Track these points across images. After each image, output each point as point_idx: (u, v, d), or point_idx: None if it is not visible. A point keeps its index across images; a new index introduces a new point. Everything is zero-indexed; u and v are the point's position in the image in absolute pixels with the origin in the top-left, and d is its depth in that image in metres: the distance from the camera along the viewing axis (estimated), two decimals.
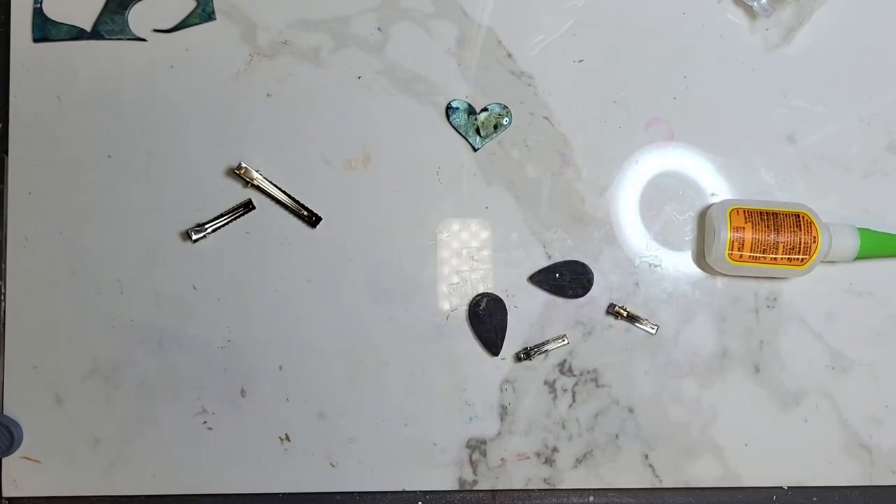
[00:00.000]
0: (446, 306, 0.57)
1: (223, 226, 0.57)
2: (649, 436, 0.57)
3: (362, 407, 0.57)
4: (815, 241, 0.53)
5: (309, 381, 0.57)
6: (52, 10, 0.57)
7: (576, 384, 0.57)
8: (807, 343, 0.57)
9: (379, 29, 0.58)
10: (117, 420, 0.56)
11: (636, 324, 0.57)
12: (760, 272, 0.55)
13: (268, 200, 0.57)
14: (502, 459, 0.57)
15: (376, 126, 0.58)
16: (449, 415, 0.57)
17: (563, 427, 0.57)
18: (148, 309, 0.57)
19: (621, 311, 0.57)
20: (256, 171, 0.56)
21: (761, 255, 0.53)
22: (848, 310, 0.57)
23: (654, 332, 0.57)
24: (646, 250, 0.58)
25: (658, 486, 0.57)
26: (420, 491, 0.57)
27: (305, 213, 0.57)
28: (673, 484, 0.57)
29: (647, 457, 0.57)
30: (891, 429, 0.57)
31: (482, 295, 0.57)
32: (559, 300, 0.57)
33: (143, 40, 0.58)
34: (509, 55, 0.58)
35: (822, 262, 0.54)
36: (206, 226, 0.56)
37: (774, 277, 0.57)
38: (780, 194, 0.58)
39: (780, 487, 0.57)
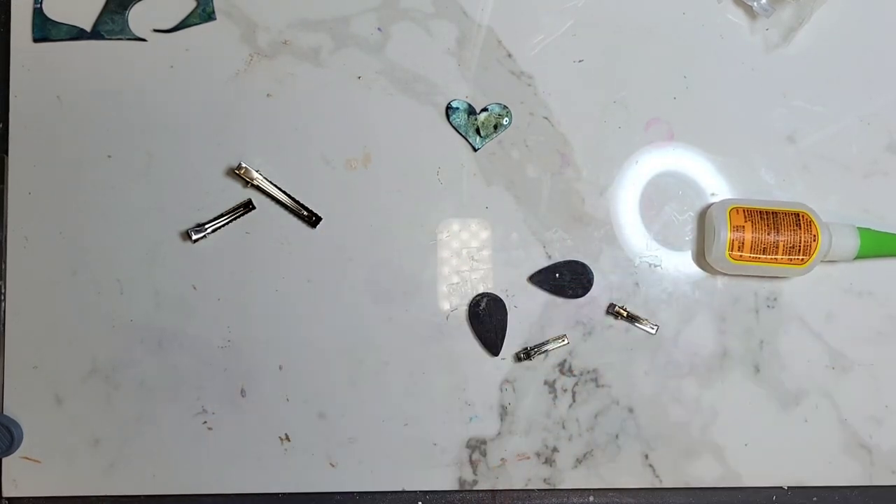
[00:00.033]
0: (446, 306, 0.57)
1: (223, 226, 0.57)
2: (649, 436, 0.57)
3: (362, 407, 0.57)
4: (815, 241, 0.53)
5: (309, 381, 0.57)
6: (52, 10, 0.57)
7: (576, 384, 0.57)
8: (807, 343, 0.57)
9: (379, 29, 0.58)
10: (117, 420, 0.56)
11: (636, 324, 0.57)
12: (760, 272, 0.55)
13: (268, 200, 0.57)
14: (502, 459, 0.57)
15: (376, 126, 0.58)
16: (449, 415, 0.57)
17: (563, 427, 0.57)
18: (148, 309, 0.57)
19: (621, 311, 0.57)
20: (256, 171, 0.56)
21: (761, 255, 0.53)
22: (848, 310, 0.57)
23: (654, 332, 0.57)
24: (646, 250, 0.58)
25: (658, 486, 0.57)
26: (420, 491, 0.57)
27: (305, 213, 0.57)
28: (673, 484, 0.57)
29: (647, 457, 0.57)
30: (891, 429, 0.57)
31: (482, 295, 0.57)
32: (559, 300, 0.57)
33: (143, 40, 0.58)
34: (509, 55, 0.58)
35: (822, 261, 0.54)
36: (206, 226, 0.56)
37: (774, 277, 0.57)
38: (780, 194, 0.58)
39: (780, 487, 0.57)
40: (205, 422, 0.57)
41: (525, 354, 0.57)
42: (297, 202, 0.57)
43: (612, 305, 0.57)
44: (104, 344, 0.57)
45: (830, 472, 0.57)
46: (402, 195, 0.57)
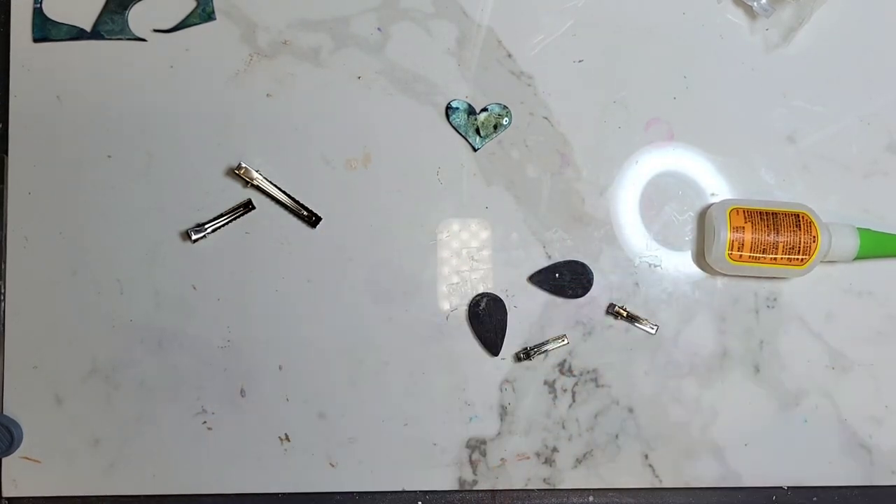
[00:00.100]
0: (446, 306, 0.57)
1: (223, 226, 0.57)
2: (649, 436, 0.57)
3: (362, 407, 0.57)
4: (814, 241, 0.53)
5: (309, 381, 0.57)
6: (52, 10, 0.57)
7: (576, 384, 0.57)
8: (807, 343, 0.57)
9: (379, 29, 0.58)
10: (117, 420, 0.56)
11: (636, 324, 0.57)
12: (760, 272, 0.55)
13: (268, 200, 0.57)
14: (502, 459, 0.57)
15: (376, 126, 0.58)
16: (449, 415, 0.57)
17: (563, 427, 0.57)
18: (148, 309, 0.57)
19: (621, 311, 0.57)
20: (256, 171, 0.56)
21: (761, 255, 0.53)
22: (848, 310, 0.57)
23: (653, 332, 0.57)
24: (646, 250, 0.58)
25: (658, 486, 0.57)
26: (420, 491, 0.57)
27: (305, 213, 0.57)
28: (673, 484, 0.57)
29: (647, 457, 0.57)
30: (891, 429, 0.57)
31: (482, 295, 0.57)
32: (559, 300, 0.57)
33: (143, 40, 0.58)
34: (509, 55, 0.58)
35: (822, 262, 0.54)
36: (206, 226, 0.56)
37: (774, 277, 0.57)
38: (780, 194, 0.58)
39: (780, 487, 0.57)
40: (205, 422, 0.57)
41: (525, 354, 0.57)
42: (297, 202, 0.57)
43: (612, 305, 0.57)
44: (104, 344, 0.57)
45: (830, 472, 0.57)
46: (402, 195, 0.57)
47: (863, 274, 0.58)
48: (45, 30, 0.57)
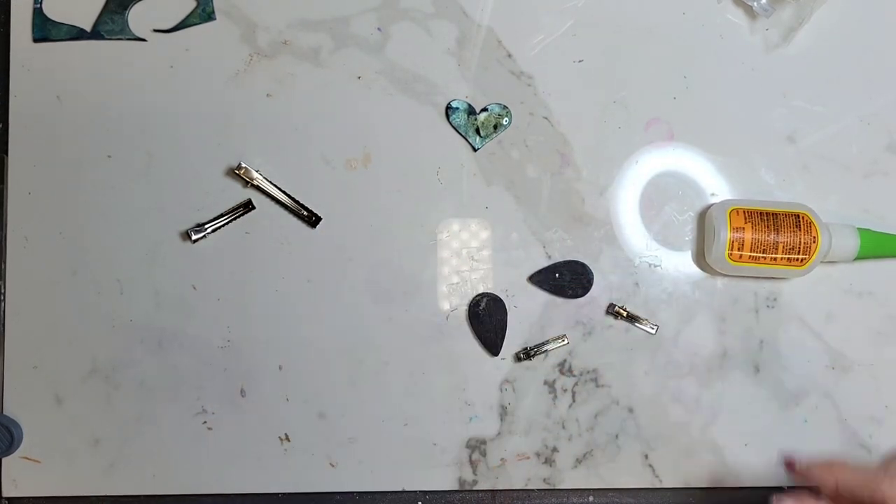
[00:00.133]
0: (446, 306, 0.57)
1: (223, 226, 0.57)
2: (649, 436, 0.57)
3: (362, 407, 0.57)
4: (814, 242, 0.53)
5: (309, 381, 0.57)
6: (52, 10, 0.57)
7: (576, 384, 0.57)
8: (807, 343, 0.57)
9: (379, 29, 0.58)
10: (117, 420, 0.56)
11: (636, 324, 0.57)
12: (760, 272, 0.55)
13: (268, 200, 0.57)
14: (502, 459, 0.57)
15: (376, 126, 0.58)
16: (449, 415, 0.57)
17: (563, 427, 0.57)
18: (148, 309, 0.57)
19: (621, 311, 0.57)
20: (256, 171, 0.56)
21: (761, 256, 0.53)
22: (848, 310, 0.57)
23: (654, 332, 0.57)
24: (646, 250, 0.58)
25: (658, 486, 0.57)
26: (420, 491, 0.57)
27: (305, 213, 0.57)
28: (673, 484, 0.57)
29: (647, 457, 0.57)
30: (891, 429, 0.57)
31: (482, 295, 0.57)
32: (559, 300, 0.57)
33: (143, 40, 0.58)
34: (509, 55, 0.58)
35: (822, 262, 0.54)
36: (206, 226, 0.56)
37: (774, 277, 0.57)
38: (780, 194, 0.58)
39: (780, 487, 0.57)
40: (205, 422, 0.57)
41: (525, 354, 0.57)
42: (297, 202, 0.57)
43: (612, 305, 0.57)
44: (104, 344, 0.57)
45: None
46: (402, 195, 0.57)
47: (863, 274, 0.58)
48: (45, 30, 0.57)
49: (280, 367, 0.57)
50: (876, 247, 0.55)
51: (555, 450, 0.57)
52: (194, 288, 0.57)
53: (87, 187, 0.57)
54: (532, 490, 0.57)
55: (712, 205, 0.57)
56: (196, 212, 0.57)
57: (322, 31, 0.58)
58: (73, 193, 0.57)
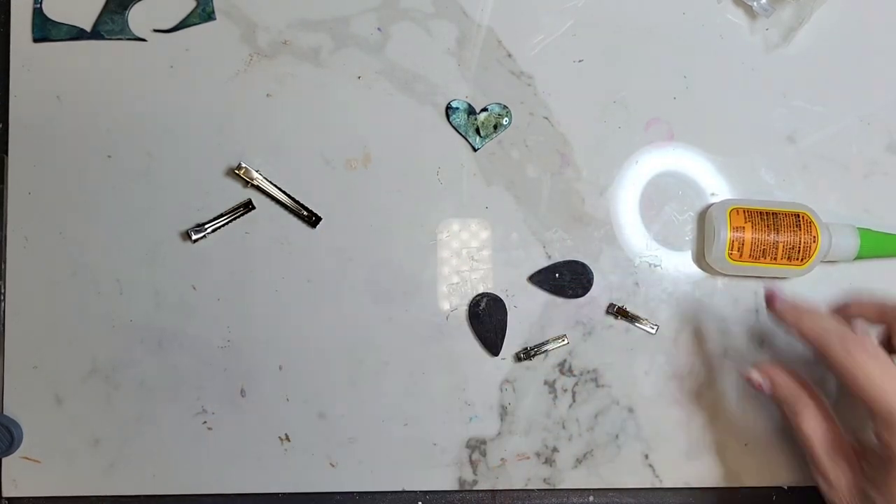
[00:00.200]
0: (446, 306, 0.57)
1: (223, 226, 0.57)
2: (649, 436, 0.57)
3: (362, 407, 0.57)
4: (814, 241, 0.53)
5: (309, 381, 0.57)
6: (52, 10, 0.57)
7: (576, 384, 0.57)
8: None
9: (379, 29, 0.58)
10: (117, 420, 0.56)
11: (636, 324, 0.57)
12: (760, 272, 0.55)
13: (268, 200, 0.57)
14: (502, 459, 0.57)
15: (376, 126, 0.58)
16: (449, 415, 0.57)
17: (563, 427, 0.57)
18: (148, 309, 0.57)
19: (621, 311, 0.57)
20: (256, 171, 0.56)
21: (761, 256, 0.53)
22: None
23: (653, 332, 0.57)
24: (646, 250, 0.58)
25: (658, 486, 0.57)
26: (420, 491, 0.57)
27: (305, 213, 0.57)
28: (673, 484, 0.57)
29: (647, 457, 0.57)
30: None
31: (482, 295, 0.57)
32: (559, 300, 0.57)
33: (143, 40, 0.58)
34: (509, 55, 0.58)
35: (822, 261, 0.54)
36: (206, 226, 0.56)
37: (774, 277, 0.57)
38: (780, 194, 0.58)
39: (780, 487, 0.57)
40: (205, 422, 0.57)
41: (525, 354, 0.57)
42: (297, 202, 0.57)
43: (612, 305, 0.57)
44: (104, 344, 0.57)
45: None
46: (402, 195, 0.57)
47: (863, 274, 0.58)
48: (45, 30, 0.57)
49: (280, 367, 0.57)
50: (876, 247, 0.55)
51: (555, 450, 0.57)
52: (194, 288, 0.57)
53: (87, 187, 0.57)
54: (532, 490, 0.57)
55: (712, 205, 0.57)
56: (196, 212, 0.57)
57: (322, 31, 0.58)
58: (73, 193, 0.57)
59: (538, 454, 0.57)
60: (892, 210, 0.58)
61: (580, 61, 0.58)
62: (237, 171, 0.56)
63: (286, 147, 0.57)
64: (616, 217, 0.58)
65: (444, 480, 0.57)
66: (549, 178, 0.58)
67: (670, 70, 0.58)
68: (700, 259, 0.58)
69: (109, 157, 0.57)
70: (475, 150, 0.58)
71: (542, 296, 0.57)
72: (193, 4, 0.57)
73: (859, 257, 0.55)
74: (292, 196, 0.57)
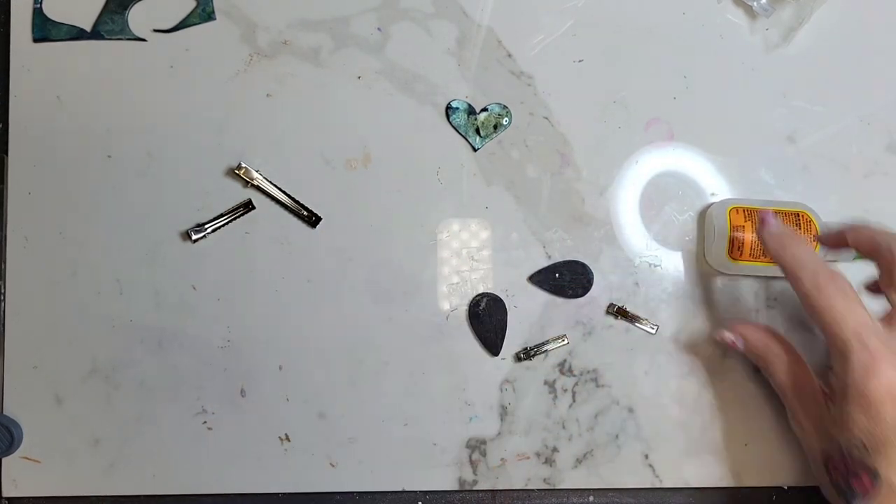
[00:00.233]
0: (446, 306, 0.57)
1: (223, 226, 0.57)
2: (649, 436, 0.57)
3: (362, 407, 0.57)
4: (814, 241, 0.53)
5: (309, 381, 0.57)
6: (52, 10, 0.57)
7: (576, 384, 0.57)
8: (807, 343, 0.57)
9: (379, 29, 0.58)
10: (117, 420, 0.56)
11: (636, 324, 0.57)
12: (760, 272, 0.55)
13: (268, 200, 0.57)
14: (502, 459, 0.57)
15: (376, 126, 0.58)
16: (449, 415, 0.57)
17: (563, 427, 0.57)
18: (148, 309, 0.57)
19: (621, 311, 0.57)
20: (256, 171, 0.56)
21: (761, 255, 0.53)
22: None
23: (654, 332, 0.57)
24: (646, 250, 0.58)
25: (658, 486, 0.57)
26: (420, 491, 0.57)
27: (305, 213, 0.57)
28: (673, 484, 0.57)
29: (647, 457, 0.57)
30: None
31: (482, 295, 0.57)
32: (559, 300, 0.57)
33: (143, 40, 0.58)
34: (509, 55, 0.58)
35: None
36: (206, 226, 0.56)
37: (774, 277, 0.57)
38: (780, 194, 0.58)
39: (780, 487, 0.57)
40: (205, 422, 0.57)
41: (525, 354, 0.57)
42: (297, 202, 0.57)
43: (612, 305, 0.57)
44: (104, 344, 0.57)
45: None
46: (402, 195, 0.57)
47: (863, 274, 0.57)
48: (45, 30, 0.57)
49: (280, 367, 0.57)
50: None
51: (555, 450, 0.57)
52: (194, 288, 0.57)
53: (87, 187, 0.57)
54: (532, 490, 0.57)
55: (712, 205, 0.57)
56: (196, 212, 0.57)
57: (322, 31, 0.58)
58: (73, 193, 0.57)
59: (538, 454, 0.57)
60: (892, 210, 0.58)
61: (580, 61, 0.58)
62: (237, 171, 0.56)
63: (286, 147, 0.57)
64: (616, 217, 0.58)
65: (444, 480, 0.57)
66: (549, 178, 0.58)
67: (670, 70, 0.58)
68: (700, 259, 0.58)
69: (109, 157, 0.57)
70: (475, 150, 0.58)
71: (542, 296, 0.57)
72: (193, 4, 0.58)
73: (859, 257, 0.55)
74: (292, 196, 0.57)
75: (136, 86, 0.57)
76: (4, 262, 0.57)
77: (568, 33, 0.58)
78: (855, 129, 0.58)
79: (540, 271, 0.57)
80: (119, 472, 0.56)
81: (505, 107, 0.57)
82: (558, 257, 0.57)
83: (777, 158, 0.58)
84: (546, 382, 0.57)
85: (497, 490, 0.57)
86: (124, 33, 0.57)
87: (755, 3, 0.57)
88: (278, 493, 0.57)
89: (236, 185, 0.57)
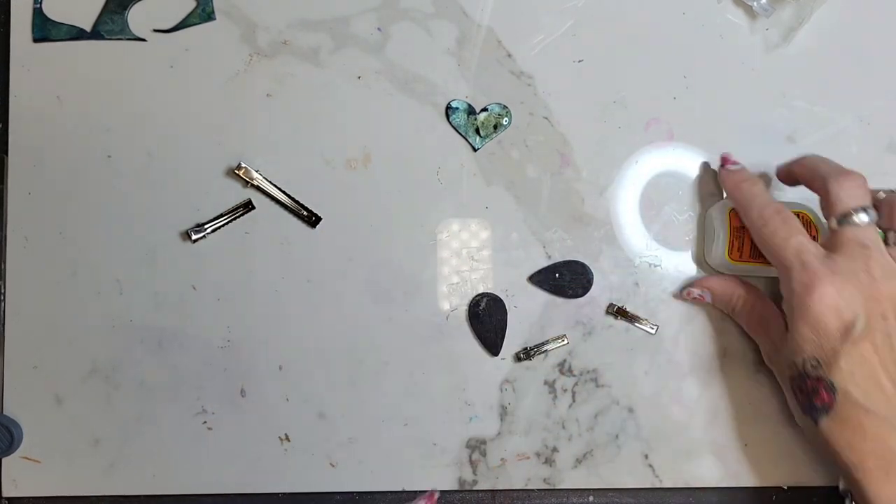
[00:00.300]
0: (446, 306, 0.57)
1: (223, 226, 0.57)
2: (649, 436, 0.57)
3: (362, 407, 0.57)
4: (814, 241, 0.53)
5: (309, 381, 0.57)
6: (52, 10, 0.57)
7: (576, 384, 0.57)
8: None
9: (379, 29, 0.58)
10: (117, 420, 0.56)
11: (636, 324, 0.57)
12: (760, 272, 0.55)
13: (268, 200, 0.57)
14: (502, 459, 0.57)
15: (376, 126, 0.58)
16: (449, 415, 0.57)
17: (563, 427, 0.57)
18: (148, 309, 0.57)
19: (621, 311, 0.57)
20: (256, 171, 0.56)
21: (761, 255, 0.53)
22: None
23: (653, 332, 0.57)
24: (646, 250, 0.58)
25: (658, 486, 0.57)
26: (420, 491, 0.57)
27: (305, 213, 0.57)
28: (673, 484, 0.57)
29: (647, 457, 0.57)
30: None
31: (482, 295, 0.57)
32: (559, 300, 0.57)
33: (143, 40, 0.58)
34: (509, 55, 0.58)
35: None
36: (206, 226, 0.56)
37: (775, 277, 0.57)
38: (780, 194, 0.58)
39: (780, 487, 0.57)
40: (205, 422, 0.57)
41: (525, 354, 0.57)
42: (297, 202, 0.57)
43: (611, 305, 0.57)
44: (104, 344, 0.57)
45: (830, 472, 0.57)
46: (402, 195, 0.57)
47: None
48: (45, 30, 0.57)
49: (280, 367, 0.57)
50: None
51: (555, 450, 0.57)
52: (194, 288, 0.57)
53: (87, 187, 0.57)
54: (532, 490, 0.57)
55: (712, 205, 0.57)
56: (196, 212, 0.57)
57: (322, 31, 0.58)
58: (73, 193, 0.57)
59: (538, 454, 0.57)
60: None
61: (580, 61, 0.58)
62: (237, 171, 0.56)
63: (286, 147, 0.57)
64: (616, 217, 0.58)
65: (443, 480, 0.57)
66: (549, 178, 0.58)
67: (670, 70, 0.58)
68: (700, 259, 0.58)
69: (109, 157, 0.57)
70: (475, 150, 0.58)
71: (542, 296, 0.57)
72: (193, 4, 0.58)
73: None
74: (292, 196, 0.57)
75: (136, 86, 0.57)
76: (4, 262, 0.57)
77: (568, 33, 0.58)
78: (855, 129, 0.58)
79: (540, 271, 0.57)
80: (119, 472, 0.56)
81: (505, 107, 0.57)
82: (558, 257, 0.57)
83: (777, 158, 0.58)
84: (546, 382, 0.57)
85: (497, 490, 0.57)
86: (124, 33, 0.57)
87: (755, 3, 0.57)
88: (278, 493, 0.57)
89: (236, 186, 0.57)
